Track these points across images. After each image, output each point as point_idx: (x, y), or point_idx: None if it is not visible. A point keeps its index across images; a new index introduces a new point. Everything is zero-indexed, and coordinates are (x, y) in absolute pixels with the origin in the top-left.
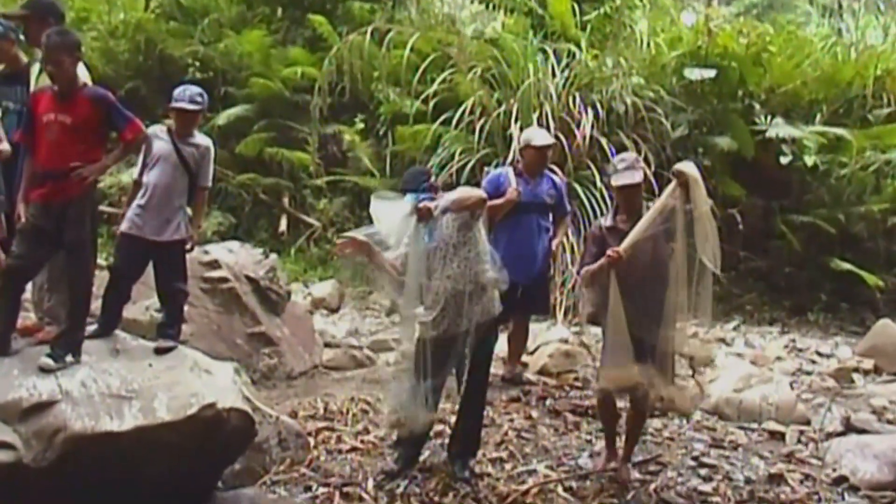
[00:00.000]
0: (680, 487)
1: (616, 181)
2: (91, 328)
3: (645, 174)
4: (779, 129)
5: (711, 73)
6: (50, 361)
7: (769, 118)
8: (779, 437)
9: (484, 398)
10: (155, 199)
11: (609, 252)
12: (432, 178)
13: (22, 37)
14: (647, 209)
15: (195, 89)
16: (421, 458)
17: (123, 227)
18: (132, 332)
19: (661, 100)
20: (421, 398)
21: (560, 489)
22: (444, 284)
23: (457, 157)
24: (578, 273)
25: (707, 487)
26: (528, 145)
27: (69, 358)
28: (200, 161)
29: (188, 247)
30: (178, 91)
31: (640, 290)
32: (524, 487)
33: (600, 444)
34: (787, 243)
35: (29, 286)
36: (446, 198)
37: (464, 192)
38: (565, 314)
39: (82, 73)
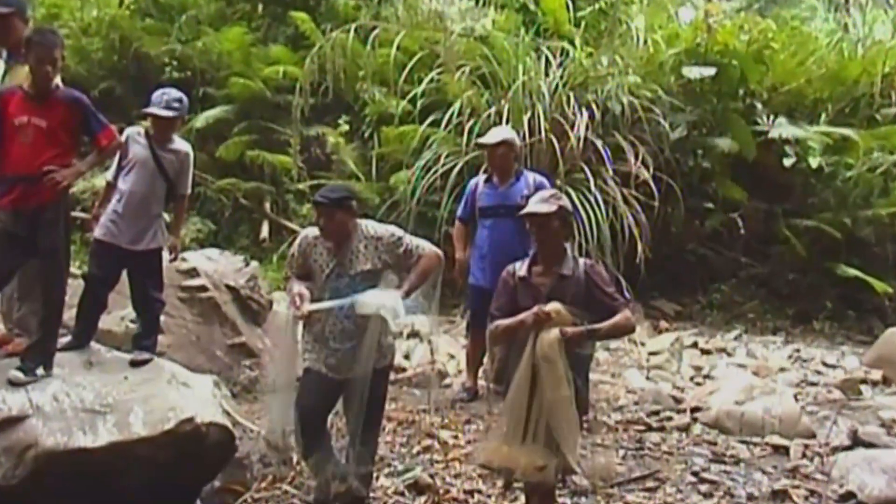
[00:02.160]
0: None
1: (524, 210)
2: (64, 339)
3: (563, 209)
4: (782, 129)
5: (711, 71)
6: (20, 374)
7: (771, 118)
8: (783, 451)
9: (378, 433)
10: (131, 207)
11: (536, 310)
12: None
13: None
14: (575, 260)
15: (174, 94)
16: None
17: (98, 233)
18: (107, 344)
19: (659, 99)
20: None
21: None
22: (343, 324)
23: (443, 160)
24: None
25: None
26: (479, 144)
27: (40, 371)
28: (179, 168)
29: (171, 256)
30: (156, 95)
31: None
32: None
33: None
34: (791, 248)
35: None
36: (412, 277)
37: (427, 261)
38: None
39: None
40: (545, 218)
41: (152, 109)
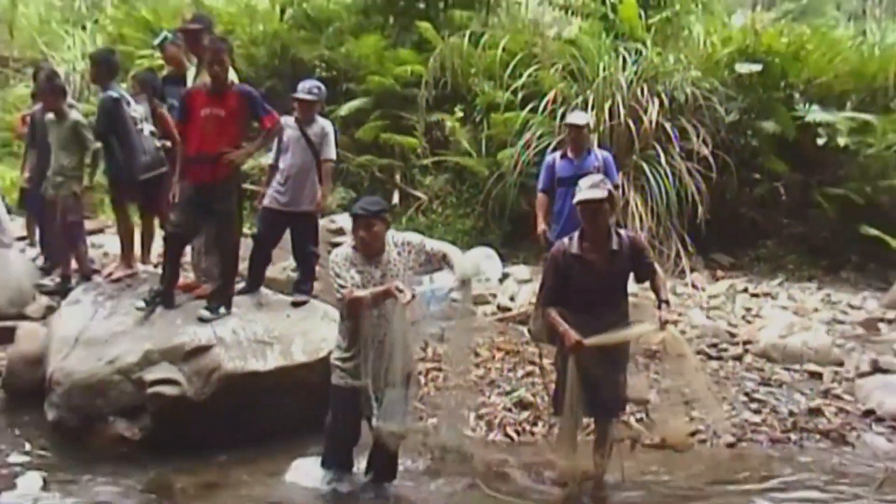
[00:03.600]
0: (734, 419)
1: (577, 197)
2: (240, 286)
3: (612, 194)
4: (815, 114)
5: (758, 67)
6: (207, 313)
7: (807, 105)
8: (817, 376)
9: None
10: (290, 178)
11: (573, 339)
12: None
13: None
14: (619, 235)
15: (313, 83)
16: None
17: (266, 202)
18: (272, 289)
19: (716, 90)
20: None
21: (632, 420)
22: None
23: (538, 140)
24: (540, 301)
25: (757, 419)
26: (568, 124)
27: (222, 310)
28: (322, 138)
29: (320, 211)
30: (300, 84)
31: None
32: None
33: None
34: (823, 212)
35: (188, 250)
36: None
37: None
38: None
39: (231, 75)
40: (599, 203)
41: (297, 94)
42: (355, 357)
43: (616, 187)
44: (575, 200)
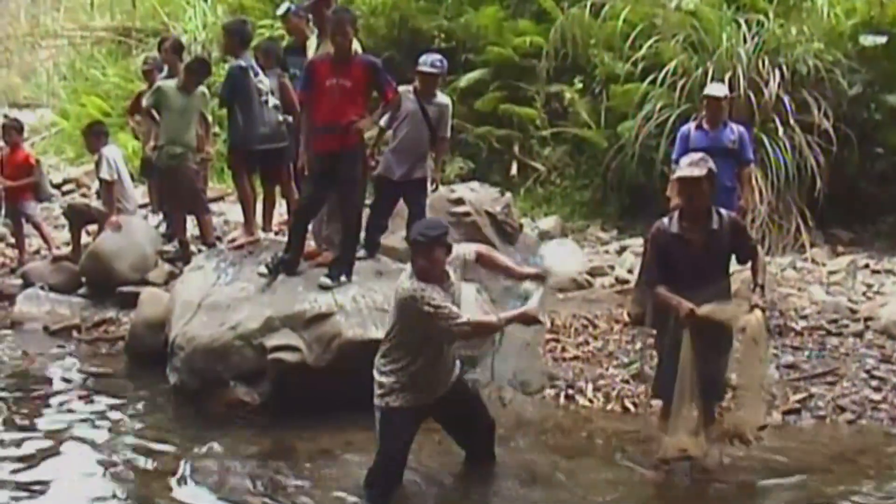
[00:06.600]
0: (854, 396)
1: (675, 175)
2: (360, 254)
3: (711, 171)
4: None
5: (883, 39)
6: (328, 281)
7: None
8: None
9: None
10: (406, 151)
11: (686, 307)
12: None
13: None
14: (719, 214)
15: (436, 56)
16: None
17: (380, 170)
18: (391, 258)
19: (839, 62)
20: None
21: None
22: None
23: (659, 112)
24: (642, 278)
25: (877, 396)
26: (707, 95)
27: (343, 278)
28: (440, 117)
29: (433, 187)
30: (423, 57)
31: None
32: None
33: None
34: None
35: None
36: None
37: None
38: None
39: (355, 45)
40: (696, 181)
41: (420, 67)
42: (420, 372)
43: (749, 162)
44: (672, 178)
